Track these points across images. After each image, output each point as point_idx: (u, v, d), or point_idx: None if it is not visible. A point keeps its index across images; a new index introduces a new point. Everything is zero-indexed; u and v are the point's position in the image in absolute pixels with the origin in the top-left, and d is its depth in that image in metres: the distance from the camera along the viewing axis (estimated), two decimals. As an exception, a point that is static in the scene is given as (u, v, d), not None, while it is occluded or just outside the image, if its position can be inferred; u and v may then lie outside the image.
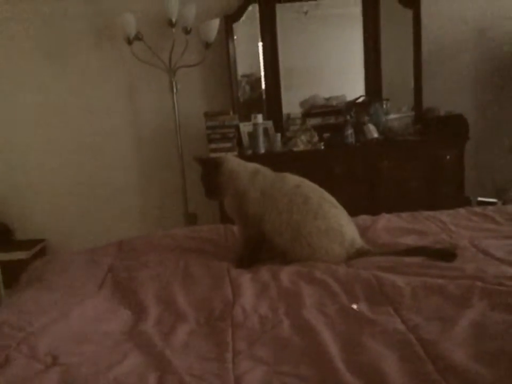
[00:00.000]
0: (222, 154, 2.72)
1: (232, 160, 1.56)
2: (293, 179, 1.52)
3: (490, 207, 1.86)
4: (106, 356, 0.87)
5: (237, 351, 0.92)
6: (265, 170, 1.56)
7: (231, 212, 1.56)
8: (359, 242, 1.46)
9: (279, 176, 1.54)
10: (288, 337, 0.96)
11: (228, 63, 3.00)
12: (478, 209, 1.84)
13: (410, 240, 1.49)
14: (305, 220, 1.42)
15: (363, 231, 1.59)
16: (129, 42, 2.84)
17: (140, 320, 1.08)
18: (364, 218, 1.73)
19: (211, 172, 1.51)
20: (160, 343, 0.95)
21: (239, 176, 1.51)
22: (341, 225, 1.43)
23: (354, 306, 0.96)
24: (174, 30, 2.85)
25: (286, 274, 1.27)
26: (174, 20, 2.83)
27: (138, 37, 2.87)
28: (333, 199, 1.51)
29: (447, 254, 1.33)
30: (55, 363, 0.82)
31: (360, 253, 1.41)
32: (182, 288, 1.24)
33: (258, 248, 1.52)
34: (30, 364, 0.82)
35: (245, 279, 1.26)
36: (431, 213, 1.79)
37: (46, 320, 0.95)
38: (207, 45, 2.87)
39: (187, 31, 2.86)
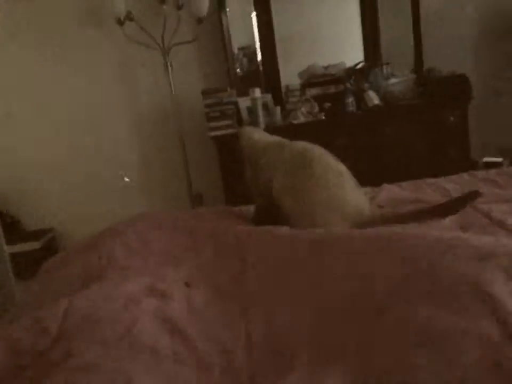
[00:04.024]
0: (222, 132, 2.72)
1: (249, 131, 1.64)
2: (303, 144, 1.50)
3: (492, 171, 1.83)
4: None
5: (249, 330, 0.91)
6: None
7: (248, 180, 1.58)
8: (367, 211, 1.40)
9: (290, 142, 1.53)
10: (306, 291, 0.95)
11: (222, 37, 2.94)
12: (481, 173, 1.82)
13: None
14: (308, 187, 1.38)
15: (365, 203, 1.58)
16: (120, 23, 2.78)
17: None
18: (366, 191, 1.72)
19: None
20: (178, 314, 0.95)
21: (254, 144, 1.55)
22: (344, 195, 1.39)
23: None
24: (165, 6, 2.79)
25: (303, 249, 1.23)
26: (163, -4, 2.77)
27: (129, 17, 2.82)
28: (340, 167, 1.45)
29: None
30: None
31: (370, 222, 1.35)
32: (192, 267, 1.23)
33: (269, 216, 1.49)
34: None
35: (257, 256, 1.23)
36: (433, 180, 1.77)
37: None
38: (200, 20, 2.81)
39: (178, 7, 2.79)
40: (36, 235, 3.01)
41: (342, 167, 1.46)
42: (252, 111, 2.82)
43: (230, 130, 2.73)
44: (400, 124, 2.81)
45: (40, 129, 3.10)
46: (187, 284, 1.09)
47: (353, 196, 1.41)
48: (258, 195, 1.55)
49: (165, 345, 0.79)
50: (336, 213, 1.37)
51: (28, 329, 0.86)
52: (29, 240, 2.92)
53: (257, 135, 1.61)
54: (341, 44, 3.13)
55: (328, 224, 1.36)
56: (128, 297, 0.95)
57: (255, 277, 1.11)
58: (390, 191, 1.71)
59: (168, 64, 2.88)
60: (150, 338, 0.79)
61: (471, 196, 1.35)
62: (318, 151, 1.48)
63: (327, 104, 2.88)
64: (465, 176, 1.81)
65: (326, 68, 3.06)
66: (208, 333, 0.87)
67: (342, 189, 1.40)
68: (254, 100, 2.77)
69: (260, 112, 2.78)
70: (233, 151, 1.57)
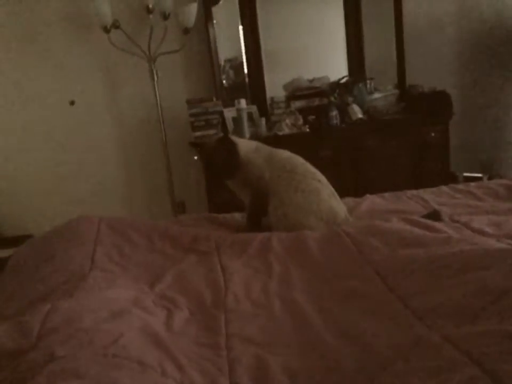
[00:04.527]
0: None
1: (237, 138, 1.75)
2: (286, 152, 1.66)
3: (472, 184, 1.87)
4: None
5: (229, 334, 0.93)
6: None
7: (237, 185, 1.66)
8: (342, 216, 1.51)
9: (274, 149, 1.68)
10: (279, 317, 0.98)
11: (209, 48, 2.96)
12: (460, 186, 1.85)
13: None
14: (288, 190, 1.51)
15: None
16: (107, 30, 2.78)
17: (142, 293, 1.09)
18: (347, 201, 1.74)
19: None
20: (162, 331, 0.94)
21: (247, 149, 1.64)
22: (320, 200, 1.51)
23: None
24: (151, 16, 2.80)
25: (276, 258, 1.26)
26: (151, 6, 2.78)
27: (115, 25, 2.82)
28: (318, 174, 1.60)
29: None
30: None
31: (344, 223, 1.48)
32: (174, 278, 1.22)
33: (262, 208, 1.59)
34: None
35: (236, 266, 1.25)
36: (414, 192, 1.80)
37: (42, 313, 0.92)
38: (186, 30, 2.83)
39: (165, 17, 2.80)
40: (14, 241, 2.93)
41: (321, 176, 1.60)
42: (237, 121, 2.83)
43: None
44: (383, 138, 2.85)
45: (18, 135, 3.04)
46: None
47: (329, 201, 1.53)
48: (249, 194, 1.63)
49: (151, 358, 0.77)
50: (311, 215, 1.49)
51: (9, 330, 0.83)
52: (7, 246, 2.84)
53: (243, 141, 1.75)
54: (326, 58, 3.18)
55: (305, 226, 1.43)
56: (113, 307, 0.94)
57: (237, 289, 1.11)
58: (372, 202, 1.73)
59: (154, 72, 2.88)
60: (136, 350, 0.78)
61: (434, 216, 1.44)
62: (300, 160, 1.63)
63: (312, 117, 2.90)
64: (444, 188, 1.84)
65: (311, 81, 3.10)
66: (190, 353, 0.86)
67: (319, 194, 1.53)
68: (239, 110, 2.78)
69: (245, 123, 2.79)
70: (228, 154, 1.61)
